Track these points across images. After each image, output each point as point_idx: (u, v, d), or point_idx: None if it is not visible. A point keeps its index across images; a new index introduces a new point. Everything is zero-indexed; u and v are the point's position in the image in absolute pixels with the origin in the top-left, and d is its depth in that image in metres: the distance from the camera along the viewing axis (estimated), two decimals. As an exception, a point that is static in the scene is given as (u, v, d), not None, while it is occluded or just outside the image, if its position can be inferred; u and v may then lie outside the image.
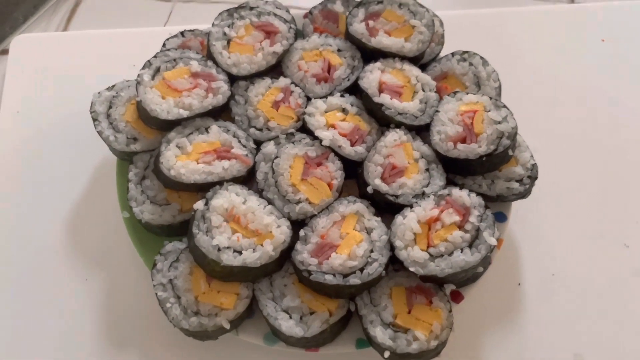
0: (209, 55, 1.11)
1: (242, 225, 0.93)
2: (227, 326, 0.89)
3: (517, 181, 1.03)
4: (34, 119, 1.25)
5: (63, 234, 1.10)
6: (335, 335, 0.93)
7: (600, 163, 1.24)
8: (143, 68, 1.05)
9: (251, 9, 1.16)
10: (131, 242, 1.02)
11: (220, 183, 0.97)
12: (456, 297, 0.98)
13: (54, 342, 1.00)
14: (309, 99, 1.10)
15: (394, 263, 0.94)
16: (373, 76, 1.08)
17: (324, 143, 1.02)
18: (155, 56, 1.07)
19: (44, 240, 1.10)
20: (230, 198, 0.94)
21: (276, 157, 1.00)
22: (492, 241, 0.90)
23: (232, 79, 1.10)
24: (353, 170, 1.04)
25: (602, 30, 1.47)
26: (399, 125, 1.06)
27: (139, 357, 0.98)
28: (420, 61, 1.17)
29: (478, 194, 0.97)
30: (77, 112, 1.20)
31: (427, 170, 1.02)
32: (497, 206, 1.06)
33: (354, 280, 0.89)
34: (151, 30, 1.39)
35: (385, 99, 1.06)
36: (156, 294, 0.91)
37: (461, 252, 0.90)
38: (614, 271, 1.10)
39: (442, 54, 1.21)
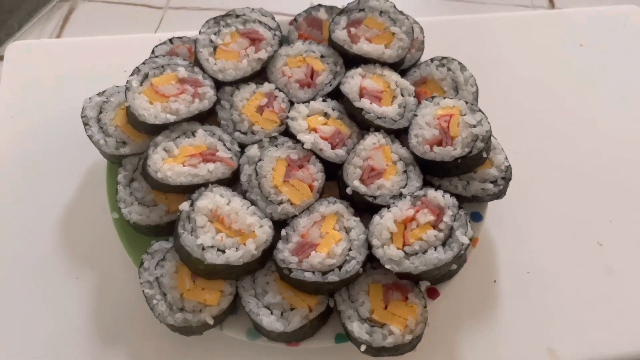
0: (196, 62, 1.15)
1: (226, 225, 0.97)
2: (211, 322, 0.93)
3: (491, 182, 1.07)
4: (27, 123, 1.28)
5: (55, 234, 1.14)
6: (316, 330, 0.97)
7: (575, 164, 1.28)
8: (132, 74, 1.09)
9: (237, 16, 1.20)
10: (119, 242, 1.06)
11: (205, 185, 1.01)
12: (432, 293, 1.02)
13: (45, 339, 1.04)
14: (292, 103, 1.14)
15: (372, 261, 0.98)
16: (354, 81, 1.12)
17: (305, 146, 1.06)
18: (143, 63, 1.11)
19: (36, 240, 1.14)
20: (214, 199, 0.98)
21: (260, 160, 1.04)
22: (464, 240, 0.94)
23: (218, 85, 1.14)
24: (334, 172, 1.08)
25: (580, 35, 1.52)
26: (378, 128, 1.10)
27: (128, 352, 1.02)
28: (400, 67, 1.21)
29: (453, 194, 1.00)
30: (69, 116, 1.24)
31: (404, 172, 1.06)
32: (473, 206, 1.10)
33: (332, 277, 0.93)
34: (142, 37, 1.43)
35: (365, 103, 1.10)
36: (143, 291, 0.95)
37: (435, 251, 0.94)
38: (587, 269, 1.14)
39: (422, 60, 1.26)
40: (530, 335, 1.07)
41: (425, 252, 0.94)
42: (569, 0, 1.64)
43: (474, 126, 1.05)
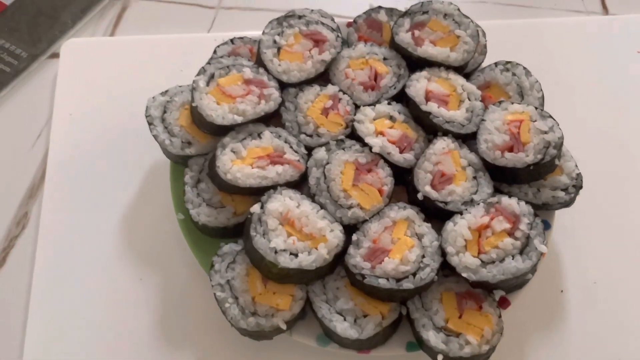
0: (260, 63, 1.13)
1: (297, 228, 0.95)
2: (284, 327, 0.92)
3: (562, 190, 1.05)
4: (85, 121, 1.27)
5: (118, 235, 1.13)
6: (387, 338, 0.96)
7: (637, 172, 1.25)
8: (198, 74, 1.07)
9: (299, 17, 1.18)
10: (183, 243, 1.04)
11: (274, 187, 0.99)
12: (502, 303, 0.99)
13: (109, 340, 1.03)
14: (356, 106, 1.12)
15: (443, 269, 0.96)
16: (420, 85, 1.11)
17: (374, 150, 1.04)
18: (209, 63, 1.10)
19: (99, 241, 1.13)
20: (284, 202, 0.96)
21: (327, 163, 1.02)
22: (543, 249, 0.92)
23: (282, 86, 1.12)
24: (400, 177, 1.06)
25: (636, 42, 1.49)
26: (446, 133, 1.08)
27: (193, 356, 1.00)
28: (464, 70, 1.19)
29: (526, 202, 0.99)
30: (126, 115, 1.24)
31: (474, 178, 1.04)
32: (542, 214, 1.07)
33: (407, 284, 0.91)
34: (196, 36, 1.42)
35: (432, 107, 1.08)
36: (215, 294, 0.94)
37: (512, 259, 0.92)
38: (655, 279, 1.12)
39: (483, 64, 1.24)
40: (599, 348, 1.05)
41: (502, 260, 0.92)
42: (622, 6, 1.60)
43: (546, 132, 1.03)
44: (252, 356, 1.00)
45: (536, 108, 1.07)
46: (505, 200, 0.98)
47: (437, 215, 1.01)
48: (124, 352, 1.02)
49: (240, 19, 1.48)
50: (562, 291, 1.10)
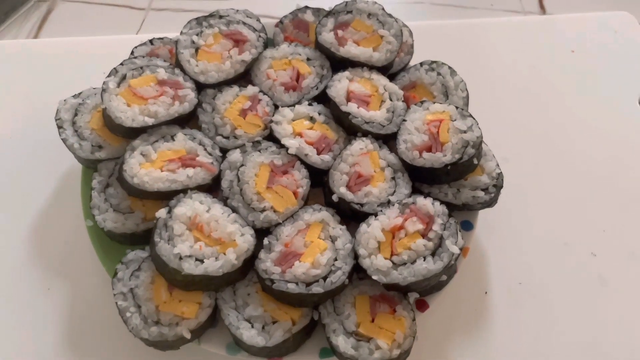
0: (177, 64, 1.10)
1: (205, 233, 0.92)
2: (188, 336, 0.88)
3: (482, 190, 1.04)
4: (3, 125, 1.23)
5: (27, 243, 1.09)
6: (299, 344, 0.93)
7: (568, 173, 1.25)
8: (109, 75, 1.04)
9: (220, 17, 1.16)
10: (93, 251, 1.01)
11: (184, 191, 0.96)
12: (421, 305, 0.97)
13: (15, 351, 0.99)
14: (277, 107, 1.10)
15: (360, 271, 0.94)
16: (341, 85, 1.09)
17: (290, 151, 1.01)
18: (122, 64, 1.07)
19: (6, 248, 1.08)
20: (193, 206, 0.93)
21: (242, 165, 1.00)
22: (455, 249, 0.90)
23: (200, 87, 1.09)
24: (319, 178, 1.03)
25: (572, 41, 1.49)
26: (365, 134, 1.06)
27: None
28: (389, 70, 1.18)
29: (443, 202, 0.97)
30: (44, 119, 1.19)
31: (393, 178, 1.02)
32: (464, 215, 1.06)
33: (317, 288, 0.89)
34: (123, 38, 1.39)
35: (352, 107, 1.06)
36: (116, 303, 0.90)
37: (424, 261, 0.90)
38: (580, 279, 1.11)
39: (411, 64, 1.22)
40: (522, 349, 1.03)
41: (414, 262, 0.90)
42: (560, 6, 1.61)
43: (465, 132, 1.02)
44: (160, 367, 0.96)
45: (457, 107, 1.06)
46: (420, 200, 0.96)
47: (353, 217, 0.99)
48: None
49: (171, 20, 1.46)
50: (486, 293, 1.08)
